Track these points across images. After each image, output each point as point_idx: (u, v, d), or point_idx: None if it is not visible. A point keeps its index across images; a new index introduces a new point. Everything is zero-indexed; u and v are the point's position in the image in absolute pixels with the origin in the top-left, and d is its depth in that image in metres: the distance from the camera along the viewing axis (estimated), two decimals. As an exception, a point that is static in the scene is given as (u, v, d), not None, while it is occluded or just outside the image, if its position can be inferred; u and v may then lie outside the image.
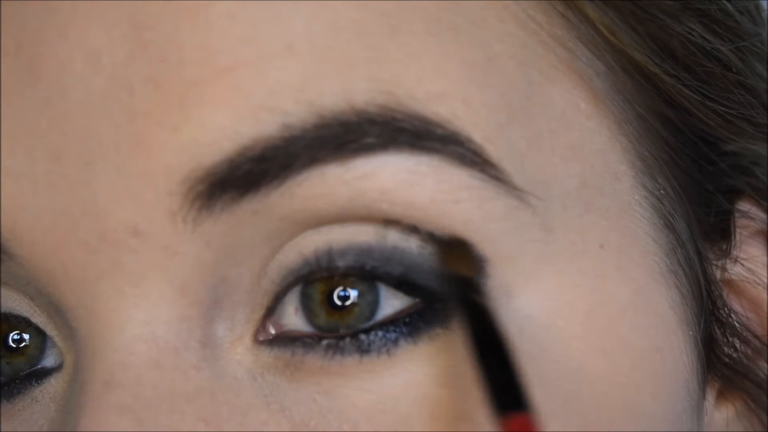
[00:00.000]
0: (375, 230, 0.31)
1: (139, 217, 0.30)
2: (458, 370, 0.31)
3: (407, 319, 0.31)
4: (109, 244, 0.30)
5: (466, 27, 0.32)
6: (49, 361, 0.33)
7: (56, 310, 0.32)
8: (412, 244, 0.31)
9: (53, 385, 0.33)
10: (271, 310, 0.32)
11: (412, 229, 0.31)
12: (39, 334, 0.34)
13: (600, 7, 0.33)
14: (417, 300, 0.31)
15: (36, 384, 0.33)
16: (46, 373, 0.33)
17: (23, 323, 0.33)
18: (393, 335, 0.31)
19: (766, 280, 0.38)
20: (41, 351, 0.34)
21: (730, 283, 0.38)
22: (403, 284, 0.31)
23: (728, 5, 0.38)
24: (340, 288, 0.31)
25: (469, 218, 0.31)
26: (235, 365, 0.31)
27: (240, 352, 0.31)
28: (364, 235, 0.31)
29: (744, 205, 0.38)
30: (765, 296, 0.38)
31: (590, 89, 0.34)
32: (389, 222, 0.31)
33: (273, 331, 0.32)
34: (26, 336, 0.34)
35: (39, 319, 0.33)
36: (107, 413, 0.29)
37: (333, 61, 0.30)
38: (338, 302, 0.31)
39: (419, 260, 0.31)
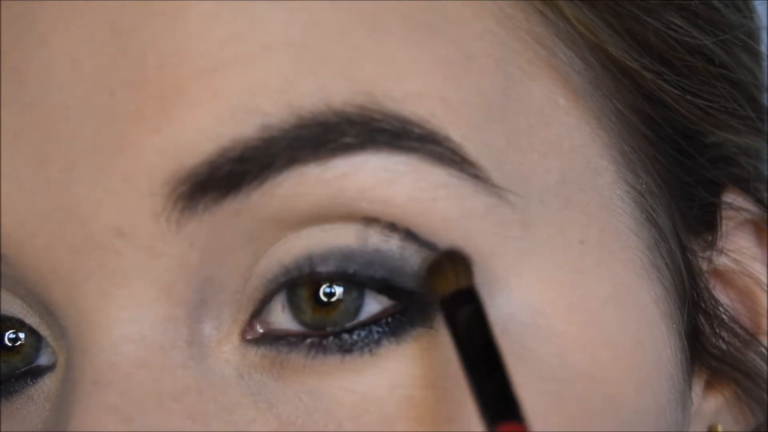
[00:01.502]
0: (356, 232, 0.31)
1: (123, 218, 0.31)
2: (441, 371, 0.31)
3: (390, 319, 0.31)
4: (95, 246, 0.31)
5: (443, 25, 0.32)
6: (43, 360, 0.34)
7: (46, 310, 0.32)
8: (393, 246, 0.31)
9: (47, 384, 0.34)
10: (258, 311, 0.32)
11: (391, 226, 0.31)
12: (34, 333, 0.34)
13: (578, 4, 0.34)
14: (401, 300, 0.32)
15: (31, 383, 0.34)
16: (40, 372, 0.34)
17: (17, 324, 0.34)
18: (376, 335, 0.31)
19: (753, 270, 0.39)
20: (37, 350, 0.34)
21: (717, 274, 0.39)
22: (385, 288, 0.31)
23: None
24: (326, 285, 0.32)
25: (448, 216, 0.31)
26: (222, 364, 0.32)
27: (227, 350, 0.32)
28: (344, 238, 0.31)
29: (729, 196, 0.39)
30: (752, 286, 0.39)
31: (569, 85, 0.34)
32: (369, 220, 0.31)
33: (260, 330, 0.32)
34: (21, 335, 0.34)
35: (32, 319, 0.34)
36: (96, 413, 0.30)
37: (311, 62, 0.31)
38: (324, 299, 0.32)
39: (400, 263, 0.31)
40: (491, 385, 0.29)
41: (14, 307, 0.34)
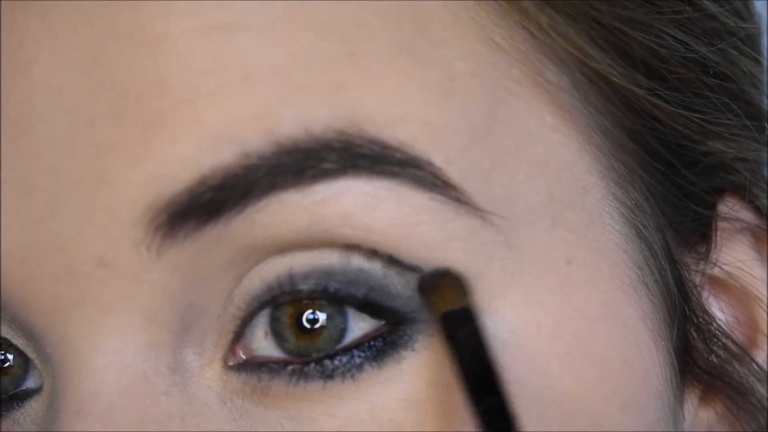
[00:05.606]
0: (338, 254, 0.31)
1: (105, 248, 0.31)
2: (423, 393, 0.31)
3: (372, 343, 0.31)
4: (77, 276, 0.31)
5: (427, 48, 0.32)
6: (31, 383, 0.34)
7: (31, 336, 0.33)
8: (376, 266, 0.31)
9: (34, 408, 0.34)
10: (240, 335, 0.32)
11: (373, 252, 0.31)
12: (21, 354, 0.34)
13: (564, 21, 0.33)
14: (383, 322, 0.31)
15: (17, 406, 0.34)
16: (27, 395, 0.34)
17: (5, 344, 0.34)
18: (358, 360, 0.31)
19: (749, 281, 0.38)
20: (25, 371, 0.34)
21: (713, 283, 0.38)
22: (367, 306, 0.31)
23: (709, 5, 0.37)
24: (309, 311, 0.32)
25: (431, 240, 0.31)
26: (204, 390, 0.32)
27: (209, 377, 0.32)
28: (326, 258, 0.31)
29: (726, 205, 0.38)
30: (747, 298, 0.38)
31: (556, 102, 0.34)
32: (350, 246, 0.31)
33: (243, 356, 0.32)
34: (10, 356, 0.34)
35: (19, 341, 0.34)
36: None
37: (292, 89, 0.31)
38: (307, 325, 0.32)
39: (384, 282, 0.31)
40: (490, 403, 0.29)
41: (2, 329, 0.34)
